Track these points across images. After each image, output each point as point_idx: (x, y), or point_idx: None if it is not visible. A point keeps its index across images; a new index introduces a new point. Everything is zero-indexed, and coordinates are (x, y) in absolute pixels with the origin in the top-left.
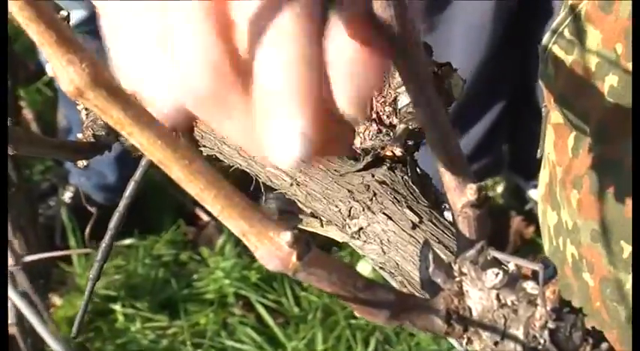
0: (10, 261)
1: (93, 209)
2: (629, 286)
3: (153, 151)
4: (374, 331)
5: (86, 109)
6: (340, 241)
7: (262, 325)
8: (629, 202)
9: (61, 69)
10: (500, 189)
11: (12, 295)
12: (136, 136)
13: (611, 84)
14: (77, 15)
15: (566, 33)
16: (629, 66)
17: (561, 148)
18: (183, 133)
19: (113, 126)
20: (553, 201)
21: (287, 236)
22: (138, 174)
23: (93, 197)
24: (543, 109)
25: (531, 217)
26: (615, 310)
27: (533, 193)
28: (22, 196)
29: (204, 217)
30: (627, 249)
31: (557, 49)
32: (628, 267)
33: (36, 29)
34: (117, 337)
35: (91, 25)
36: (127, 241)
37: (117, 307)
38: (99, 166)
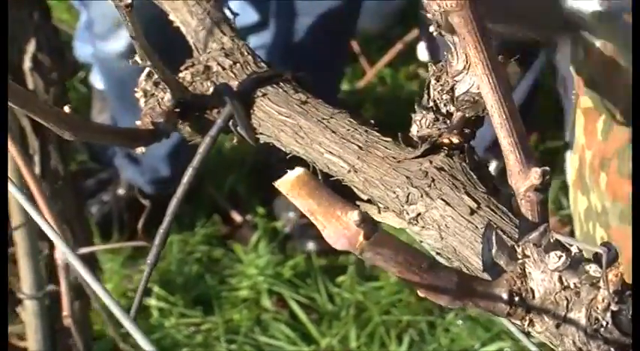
0: (62, 254)
1: (146, 202)
2: None
3: None
4: (407, 328)
5: (145, 95)
6: (398, 227)
7: (296, 322)
8: None
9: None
10: None
11: (87, 277)
12: None
13: None
14: None
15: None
16: None
17: (591, 131)
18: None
19: None
20: (583, 185)
21: (354, 216)
22: (196, 160)
23: (146, 191)
24: (573, 95)
25: (567, 219)
26: None
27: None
28: (68, 189)
29: (237, 218)
30: None
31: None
32: None
33: None
34: (152, 333)
35: None
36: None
37: (152, 302)
38: (152, 162)
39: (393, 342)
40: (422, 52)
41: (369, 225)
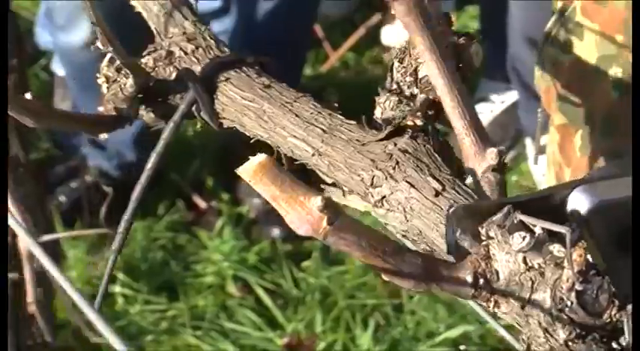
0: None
1: (109, 190)
2: None
3: None
4: (373, 312)
5: (107, 81)
6: (362, 210)
7: (261, 307)
8: None
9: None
10: None
11: (49, 267)
12: None
13: (615, 75)
14: None
15: (562, 33)
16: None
17: (568, 148)
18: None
19: None
20: None
21: (318, 201)
22: (160, 146)
23: (113, 175)
24: (539, 114)
25: None
26: None
27: None
28: (29, 177)
29: (202, 204)
30: None
31: (553, 51)
32: None
33: None
34: (116, 319)
35: None
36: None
37: (116, 289)
38: (118, 147)
39: (358, 326)
40: (385, 37)
41: (332, 210)
